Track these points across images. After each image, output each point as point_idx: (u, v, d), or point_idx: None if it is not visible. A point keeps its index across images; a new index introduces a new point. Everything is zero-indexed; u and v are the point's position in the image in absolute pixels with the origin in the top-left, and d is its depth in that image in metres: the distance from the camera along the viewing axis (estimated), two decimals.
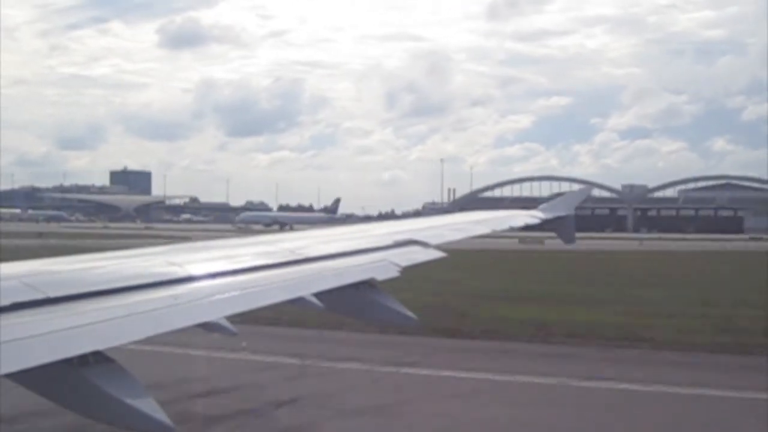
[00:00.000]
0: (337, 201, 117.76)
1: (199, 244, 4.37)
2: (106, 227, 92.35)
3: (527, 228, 7.62)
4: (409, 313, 4.00)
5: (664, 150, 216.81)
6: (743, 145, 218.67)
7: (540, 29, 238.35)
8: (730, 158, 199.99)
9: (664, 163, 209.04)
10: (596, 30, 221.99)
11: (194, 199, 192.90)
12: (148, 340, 2.73)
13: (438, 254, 4.87)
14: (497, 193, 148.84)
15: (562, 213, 7.72)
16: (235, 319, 3.14)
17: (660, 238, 70.59)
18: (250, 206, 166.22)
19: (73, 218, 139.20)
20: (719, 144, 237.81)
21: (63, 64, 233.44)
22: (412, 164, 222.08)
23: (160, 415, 2.46)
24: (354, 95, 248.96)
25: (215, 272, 3.45)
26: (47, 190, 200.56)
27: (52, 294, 2.71)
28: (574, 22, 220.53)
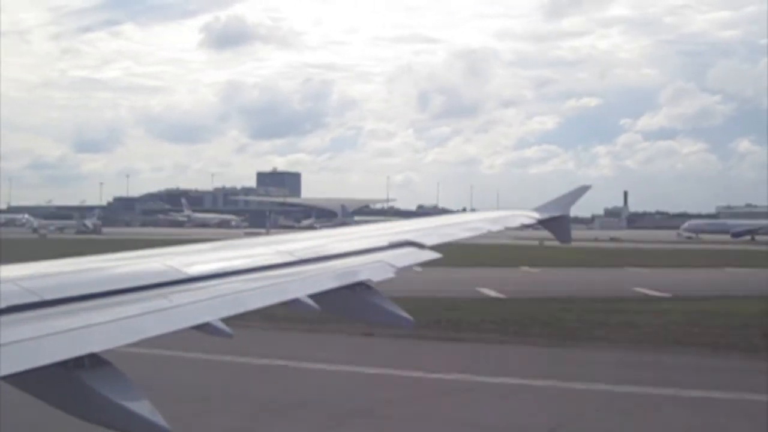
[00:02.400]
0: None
1: (196, 246, 4.38)
2: None
3: (523, 228, 7.64)
4: (405, 315, 4.01)
5: (684, 151, 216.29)
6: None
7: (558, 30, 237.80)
8: (749, 159, 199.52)
9: (682, 165, 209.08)
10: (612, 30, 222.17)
11: (366, 204, 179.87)
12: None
13: (433, 255, 4.91)
14: None
15: (557, 213, 7.73)
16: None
17: None
18: (422, 210, 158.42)
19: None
20: (743, 145, 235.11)
21: (76, 67, 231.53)
22: (426, 166, 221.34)
23: (156, 417, 2.47)
24: (377, 97, 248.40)
25: (211, 274, 3.46)
26: (234, 191, 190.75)
27: (48, 297, 2.72)
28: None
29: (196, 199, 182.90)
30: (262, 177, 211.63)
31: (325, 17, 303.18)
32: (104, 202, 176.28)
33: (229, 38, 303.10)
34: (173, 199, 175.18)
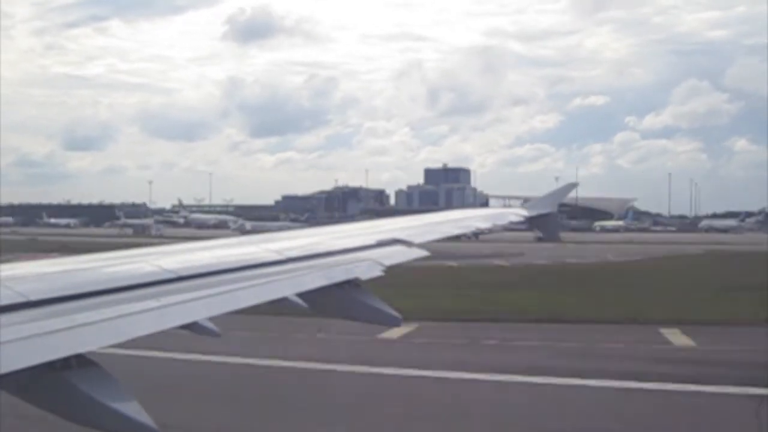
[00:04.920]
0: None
1: (185, 245, 4.36)
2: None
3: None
4: (394, 312, 4.02)
5: (678, 150, 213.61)
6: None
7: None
8: (739, 158, 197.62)
9: (672, 164, 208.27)
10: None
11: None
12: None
13: (422, 253, 4.91)
14: None
15: (545, 210, 7.74)
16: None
17: None
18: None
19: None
20: (740, 144, 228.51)
21: (62, 63, 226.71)
22: (416, 165, 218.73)
23: (145, 418, 2.46)
24: (384, 95, 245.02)
25: (199, 273, 3.46)
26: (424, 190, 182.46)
27: (34, 297, 2.70)
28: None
29: (370, 197, 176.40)
30: (430, 174, 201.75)
31: (319, 13, 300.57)
32: (272, 201, 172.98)
33: (220, 35, 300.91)
34: (350, 197, 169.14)
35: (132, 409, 2.46)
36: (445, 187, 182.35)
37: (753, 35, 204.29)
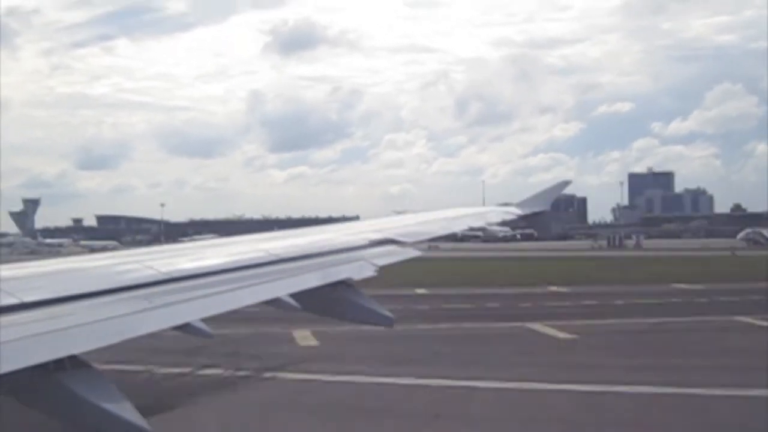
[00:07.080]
0: None
1: (177, 246, 4.37)
2: None
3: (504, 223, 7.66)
4: (386, 313, 4.03)
5: (693, 156, 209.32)
6: None
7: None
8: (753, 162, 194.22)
9: (685, 170, 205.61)
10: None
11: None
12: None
13: (414, 253, 4.92)
14: None
15: (538, 208, 7.75)
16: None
17: None
18: None
19: None
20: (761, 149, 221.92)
21: (68, 83, 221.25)
22: (428, 177, 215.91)
23: (138, 419, 2.47)
24: (410, 106, 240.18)
25: (191, 274, 3.47)
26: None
27: (27, 299, 2.71)
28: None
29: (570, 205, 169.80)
30: (635, 178, 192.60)
31: (333, 25, 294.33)
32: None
33: (224, 51, 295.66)
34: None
35: (125, 410, 2.48)
36: (689, 194, 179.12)
37: None
